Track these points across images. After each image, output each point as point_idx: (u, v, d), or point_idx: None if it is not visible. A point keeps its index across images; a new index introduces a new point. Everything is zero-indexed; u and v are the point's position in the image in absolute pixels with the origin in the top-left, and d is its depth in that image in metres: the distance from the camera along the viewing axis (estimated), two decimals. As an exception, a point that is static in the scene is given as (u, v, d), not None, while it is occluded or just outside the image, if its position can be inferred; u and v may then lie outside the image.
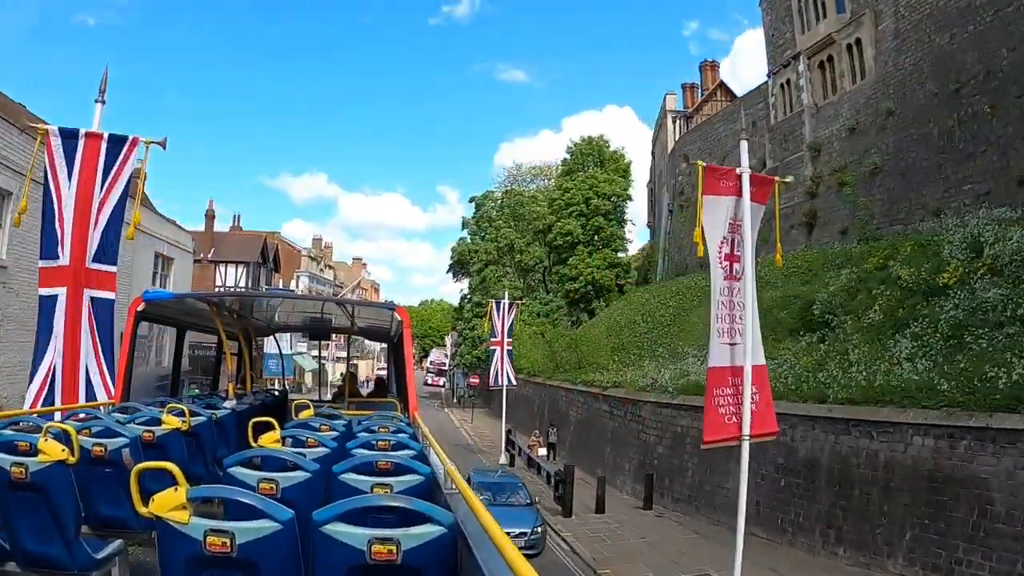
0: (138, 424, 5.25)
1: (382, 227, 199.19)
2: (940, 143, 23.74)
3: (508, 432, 24.43)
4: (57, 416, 5.46)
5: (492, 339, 27.24)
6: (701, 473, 17.33)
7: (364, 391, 16.36)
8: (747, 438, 9.20)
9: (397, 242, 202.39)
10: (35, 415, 5.46)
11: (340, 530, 2.60)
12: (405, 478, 3.56)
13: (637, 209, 66.13)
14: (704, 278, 29.81)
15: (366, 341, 38.76)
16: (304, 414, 6.15)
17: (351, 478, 3.51)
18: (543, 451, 20.98)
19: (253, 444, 4.75)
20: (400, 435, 4.96)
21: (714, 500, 16.80)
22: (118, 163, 7.47)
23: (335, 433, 5.18)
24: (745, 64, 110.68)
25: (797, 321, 20.04)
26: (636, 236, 61.92)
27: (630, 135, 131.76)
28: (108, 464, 4.35)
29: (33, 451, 3.65)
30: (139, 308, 7.12)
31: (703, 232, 9.25)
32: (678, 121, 47.41)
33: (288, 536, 2.69)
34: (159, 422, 5.30)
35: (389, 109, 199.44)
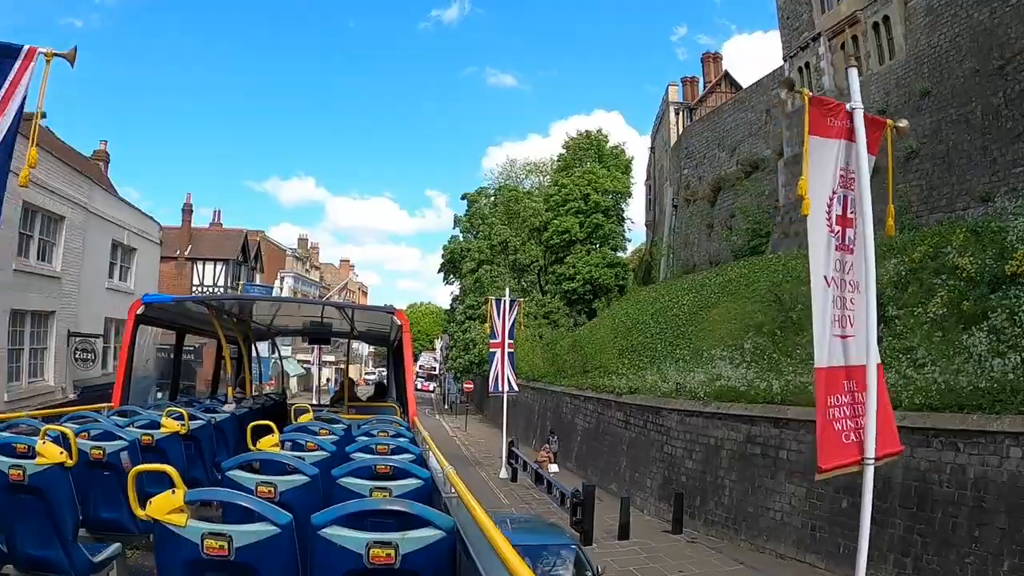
0: (137, 427, 5.28)
1: (370, 231, 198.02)
2: (984, 123, 21.63)
3: (510, 443, 21.98)
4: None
5: (491, 341, 24.78)
6: (741, 492, 15.00)
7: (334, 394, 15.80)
8: (871, 462, 6.80)
9: (385, 246, 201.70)
10: (34, 418, 5.31)
11: (339, 534, 2.61)
12: (404, 482, 3.53)
13: (633, 208, 64.04)
14: (720, 275, 27.70)
15: (355, 344, 36.92)
16: (303, 418, 6.09)
17: (350, 482, 3.47)
18: (554, 467, 18.49)
19: (252, 448, 4.68)
20: (399, 439, 4.94)
21: (757, 523, 14.46)
22: (6, 84, 5.16)
23: (334, 437, 5.14)
24: (734, 68, 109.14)
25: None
26: (633, 236, 59.58)
27: (619, 140, 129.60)
28: (107, 467, 4.37)
29: (31, 453, 3.62)
30: (138, 311, 7.16)
31: (807, 183, 6.93)
32: (681, 113, 45.19)
33: (286, 540, 2.70)
34: (158, 425, 5.27)
35: (377, 113, 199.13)
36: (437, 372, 72.96)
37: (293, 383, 46.56)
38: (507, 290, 26.30)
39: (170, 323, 9.25)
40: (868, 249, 7.06)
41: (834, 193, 7.26)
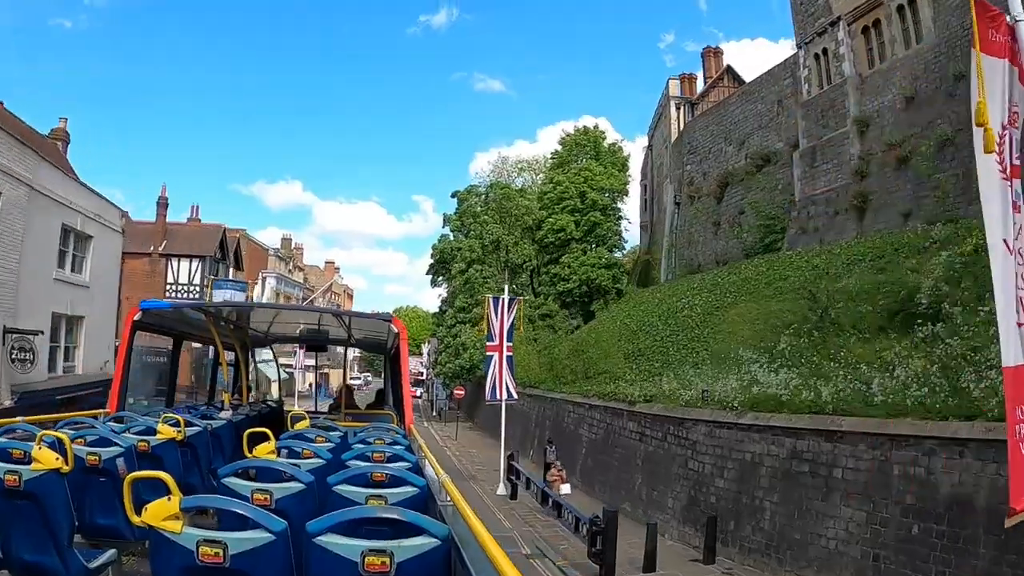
0: (133, 433, 5.23)
1: (357, 235, 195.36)
2: (1029, 108, 19.86)
3: (510, 457, 19.76)
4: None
5: (488, 344, 22.53)
6: (785, 515, 12.90)
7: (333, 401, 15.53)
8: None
9: (372, 251, 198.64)
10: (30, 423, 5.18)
11: (334, 541, 2.59)
12: (400, 490, 3.54)
13: (628, 210, 61.79)
14: (733, 273, 25.69)
15: (339, 349, 35.70)
16: (300, 425, 6.00)
17: (346, 489, 3.47)
18: (566, 488, 16.28)
19: (248, 455, 4.63)
20: (395, 447, 4.89)
21: (806, 552, 12.37)
22: None
23: (330, 445, 5.13)
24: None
25: (886, 316, 15.80)
26: (628, 238, 57.21)
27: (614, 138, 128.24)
28: (103, 473, 4.36)
29: (27, 459, 3.61)
30: (136, 317, 7.23)
31: (987, 107, 4.92)
32: (682, 108, 43.38)
33: (281, 547, 2.68)
34: (154, 432, 5.26)
35: (365, 117, 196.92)
36: (424, 377, 70.53)
37: (274, 389, 44.12)
38: (506, 287, 24.10)
39: (168, 329, 9.21)
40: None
41: (1004, 130, 5.27)
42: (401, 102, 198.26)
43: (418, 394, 67.45)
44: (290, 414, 7.01)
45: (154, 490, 2.99)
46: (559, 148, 50.61)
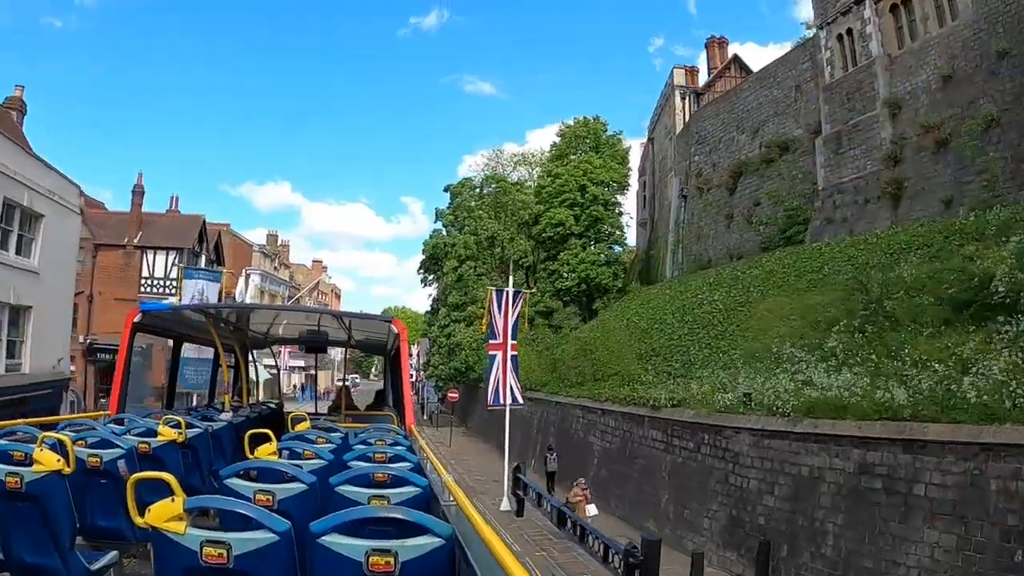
0: (134, 435, 5.21)
1: (346, 237, 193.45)
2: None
3: (516, 468, 17.63)
4: None
5: (490, 342, 20.37)
6: (854, 539, 10.91)
7: (324, 404, 15.68)
8: None
9: (360, 252, 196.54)
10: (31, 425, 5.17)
11: (338, 541, 2.57)
12: (402, 490, 3.53)
13: (625, 206, 59.82)
14: (754, 267, 23.44)
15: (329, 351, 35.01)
16: (300, 426, 6.00)
17: (348, 490, 3.45)
18: (592, 508, 14.07)
19: (249, 456, 4.65)
20: (397, 447, 4.89)
21: (881, 586, 10.39)
22: None
23: (332, 446, 5.08)
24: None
25: (951, 308, 13.87)
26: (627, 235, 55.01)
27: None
28: (104, 475, 4.37)
29: (28, 461, 3.60)
30: (136, 319, 7.25)
31: None
32: (688, 98, 41.44)
33: (285, 547, 2.68)
34: (155, 433, 5.23)
35: (355, 118, 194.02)
36: (414, 380, 68.30)
37: (260, 391, 41.78)
38: (510, 278, 21.97)
39: (167, 331, 9.25)
40: None
41: None
42: (391, 104, 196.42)
43: (408, 397, 65.16)
44: (291, 415, 6.93)
45: (156, 491, 2.89)
46: (558, 140, 48.56)
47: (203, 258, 38.21)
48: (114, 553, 4.02)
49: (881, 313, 14.69)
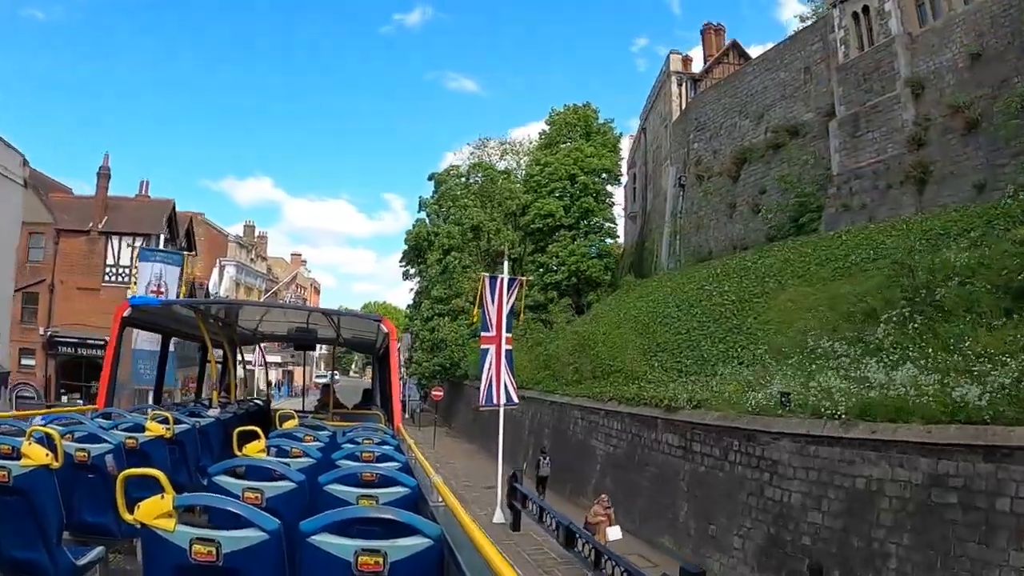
0: (121, 430, 5.20)
1: (327, 233, 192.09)
2: None
3: (512, 477, 15.78)
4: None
5: (483, 335, 18.42)
6: (922, 564, 9.20)
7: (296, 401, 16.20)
8: None
9: (342, 249, 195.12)
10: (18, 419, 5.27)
11: (327, 541, 2.56)
12: (391, 490, 3.50)
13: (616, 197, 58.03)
14: (767, 256, 21.67)
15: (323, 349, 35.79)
16: (288, 424, 5.97)
17: (337, 489, 3.42)
18: (615, 531, 12.09)
19: (237, 453, 4.62)
20: (385, 447, 4.87)
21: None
22: None
23: (320, 444, 5.04)
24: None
25: (1010, 297, 12.25)
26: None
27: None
28: (91, 470, 4.35)
29: (16, 455, 3.60)
30: (125, 314, 7.27)
31: None
32: (684, 85, 39.75)
33: (274, 546, 2.65)
34: (143, 429, 5.25)
35: (337, 114, 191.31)
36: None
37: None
38: (505, 265, 20.11)
39: (156, 326, 9.43)
40: None
41: None
42: (374, 100, 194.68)
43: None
44: (278, 413, 6.90)
45: (144, 488, 2.87)
46: (547, 128, 46.64)
47: (173, 246, 35.94)
48: (100, 549, 3.96)
49: (930, 302, 13.03)
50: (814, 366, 13.10)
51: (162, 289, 17.61)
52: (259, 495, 3.36)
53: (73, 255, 34.66)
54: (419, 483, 3.70)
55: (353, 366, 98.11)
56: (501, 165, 49.84)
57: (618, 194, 49.11)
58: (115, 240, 34.78)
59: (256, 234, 67.39)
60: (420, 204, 47.09)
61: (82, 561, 3.74)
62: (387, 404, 8.87)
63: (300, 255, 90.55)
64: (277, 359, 58.91)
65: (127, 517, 2.78)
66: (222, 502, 2.89)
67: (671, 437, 14.50)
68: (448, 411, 41.02)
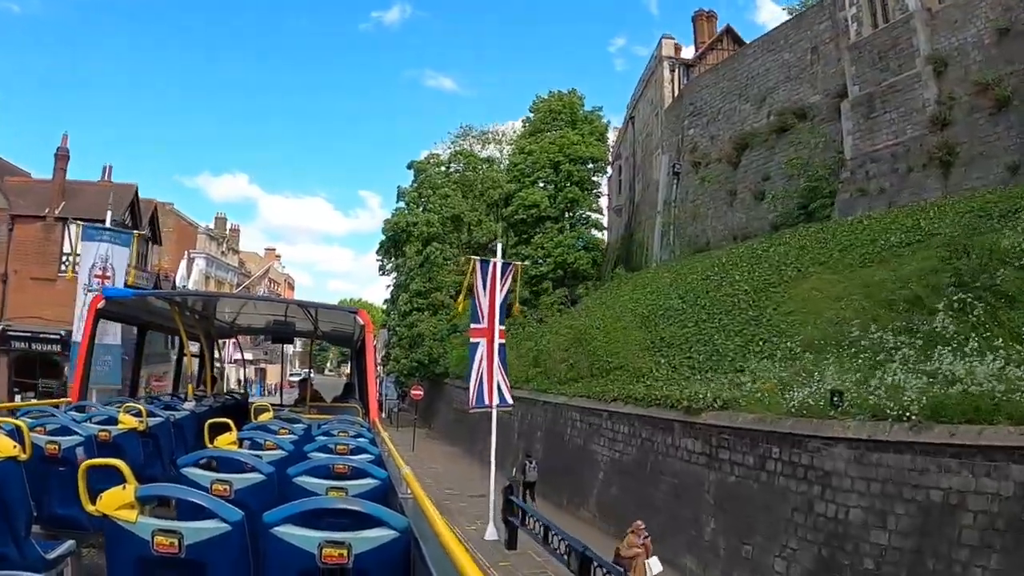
0: (95, 423, 5.10)
1: (303, 231, 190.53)
2: None
3: (507, 489, 13.96)
4: None
5: (473, 326, 16.61)
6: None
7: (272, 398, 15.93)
8: None
9: (318, 246, 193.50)
10: None
11: (291, 532, 2.51)
12: (360, 482, 3.47)
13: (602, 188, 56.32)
14: (777, 244, 20.01)
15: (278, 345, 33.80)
16: (263, 417, 5.92)
17: (306, 481, 3.37)
18: (656, 564, 10.10)
19: (208, 445, 4.59)
20: (359, 439, 4.82)
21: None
22: None
23: (293, 437, 4.96)
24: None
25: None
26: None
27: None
28: (62, 463, 4.25)
29: None
30: (99, 306, 7.16)
31: None
32: (677, 70, 38.16)
33: (238, 537, 2.60)
34: (116, 422, 5.13)
35: (314, 112, 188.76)
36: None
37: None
38: (498, 246, 18.29)
39: (132, 318, 9.25)
40: None
41: None
42: (352, 97, 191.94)
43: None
44: (254, 405, 6.84)
45: (112, 480, 2.73)
46: (531, 116, 44.79)
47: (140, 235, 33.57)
48: (71, 543, 3.83)
49: (989, 287, 11.45)
50: (860, 359, 11.43)
51: (108, 273, 15.46)
52: (228, 487, 3.26)
53: (28, 243, 32.18)
54: (389, 475, 3.65)
55: (328, 364, 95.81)
56: (484, 154, 48.04)
57: (602, 188, 47.54)
58: (73, 227, 32.40)
59: (228, 226, 64.73)
60: (399, 194, 45.09)
61: (52, 555, 3.64)
62: (364, 397, 8.75)
63: (274, 250, 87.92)
64: (249, 356, 56.66)
65: (89, 508, 2.70)
66: (184, 493, 2.83)
67: (692, 443, 12.76)
68: (428, 411, 39.06)
